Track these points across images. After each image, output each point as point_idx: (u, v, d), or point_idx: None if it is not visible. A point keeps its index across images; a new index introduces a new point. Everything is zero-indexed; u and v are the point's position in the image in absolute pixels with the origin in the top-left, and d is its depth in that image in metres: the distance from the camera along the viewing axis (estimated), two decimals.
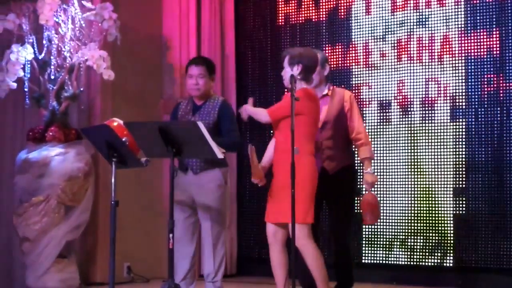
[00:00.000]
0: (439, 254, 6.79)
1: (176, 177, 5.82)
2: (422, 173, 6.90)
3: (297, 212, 4.81)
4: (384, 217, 6.93)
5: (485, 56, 6.67)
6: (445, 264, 6.77)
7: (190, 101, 5.91)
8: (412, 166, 6.94)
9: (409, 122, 7.00)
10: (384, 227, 6.97)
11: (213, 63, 6.03)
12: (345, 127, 5.51)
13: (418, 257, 6.88)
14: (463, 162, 6.73)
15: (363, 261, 7.06)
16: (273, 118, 5.12)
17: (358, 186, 5.91)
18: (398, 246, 6.94)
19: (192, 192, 5.72)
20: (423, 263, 6.87)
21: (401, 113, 7.04)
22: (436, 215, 6.80)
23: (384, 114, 7.11)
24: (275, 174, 5.15)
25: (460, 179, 6.73)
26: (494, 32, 6.63)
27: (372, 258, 7.05)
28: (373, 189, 5.52)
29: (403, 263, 6.95)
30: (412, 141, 6.96)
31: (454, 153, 6.77)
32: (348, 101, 5.55)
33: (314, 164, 5.15)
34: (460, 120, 6.77)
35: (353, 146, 5.64)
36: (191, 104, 5.86)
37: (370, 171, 5.46)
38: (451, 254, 6.73)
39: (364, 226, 7.06)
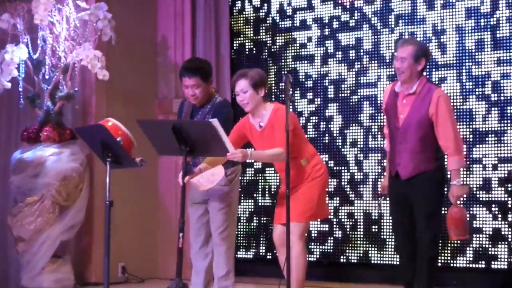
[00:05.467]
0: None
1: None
2: None
3: (302, 210, 4.98)
4: (384, 219, 6.95)
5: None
6: (441, 264, 6.77)
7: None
8: None
9: None
10: (384, 227, 6.97)
11: (208, 65, 5.82)
12: (427, 131, 5.15)
13: None
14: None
15: (367, 261, 7.06)
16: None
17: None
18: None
19: (203, 192, 5.71)
20: None
21: None
22: None
23: (382, 114, 7.10)
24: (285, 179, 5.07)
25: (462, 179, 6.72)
26: None
27: (375, 258, 7.04)
28: (459, 202, 5.24)
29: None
30: None
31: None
32: (434, 103, 5.11)
33: (322, 162, 5.26)
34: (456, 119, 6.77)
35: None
36: (192, 105, 5.77)
37: (456, 183, 5.14)
38: (450, 254, 6.72)
39: (363, 227, 7.08)
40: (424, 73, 5.39)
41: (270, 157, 5.07)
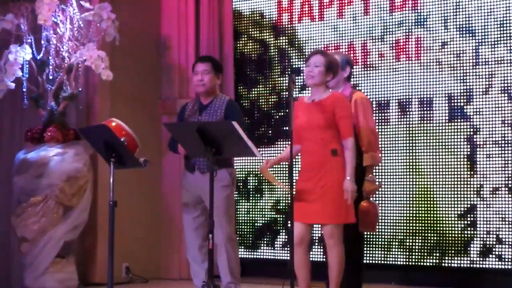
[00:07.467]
0: (437, 254, 6.79)
1: (184, 178, 5.86)
2: (420, 173, 6.90)
3: (341, 211, 5.03)
4: (382, 218, 6.94)
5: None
6: (443, 264, 6.77)
7: (196, 101, 5.95)
8: (410, 166, 6.94)
9: (408, 122, 7.00)
10: (383, 227, 6.97)
11: (220, 62, 6.12)
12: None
13: (416, 257, 6.88)
14: (462, 162, 6.73)
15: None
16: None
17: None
18: (396, 246, 6.94)
19: (200, 192, 5.70)
20: (422, 263, 6.87)
21: (399, 113, 7.03)
22: (434, 215, 6.81)
23: (382, 114, 7.10)
24: (318, 175, 5.08)
25: (459, 179, 6.73)
26: None
27: (370, 258, 7.04)
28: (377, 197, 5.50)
29: (401, 263, 6.95)
30: (411, 142, 6.96)
31: (453, 153, 6.77)
32: (352, 105, 5.43)
33: None
34: (458, 120, 6.78)
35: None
36: (198, 103, 5.88)
37: (369, 178, 5.38)
38: (449, 254, 6.73)
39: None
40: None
41: (353, 160, 5.07)
